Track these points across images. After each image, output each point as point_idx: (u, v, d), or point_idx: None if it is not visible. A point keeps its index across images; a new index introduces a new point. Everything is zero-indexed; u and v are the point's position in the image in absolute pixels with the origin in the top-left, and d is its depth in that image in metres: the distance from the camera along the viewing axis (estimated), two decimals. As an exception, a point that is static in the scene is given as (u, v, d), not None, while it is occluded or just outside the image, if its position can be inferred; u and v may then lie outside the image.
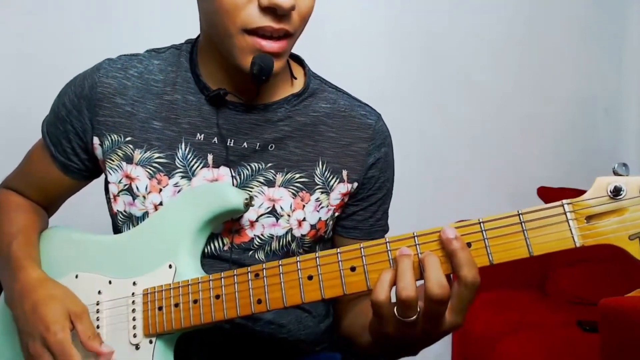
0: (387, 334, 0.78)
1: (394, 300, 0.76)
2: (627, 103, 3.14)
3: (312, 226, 1.04)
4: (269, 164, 1.02)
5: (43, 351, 0.91)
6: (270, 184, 1.01)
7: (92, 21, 2.23)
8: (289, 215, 1.02)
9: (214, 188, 0.98)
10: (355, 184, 1.06)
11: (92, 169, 1.10)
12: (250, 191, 1.01)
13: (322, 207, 1.04)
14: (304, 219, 1.03)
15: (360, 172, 1.06)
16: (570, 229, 0.72)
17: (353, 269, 0.80)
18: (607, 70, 3.10)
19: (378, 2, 2.74)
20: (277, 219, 1.02)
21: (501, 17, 2.92)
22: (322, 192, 1.04)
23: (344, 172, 1.05)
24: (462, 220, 0.77)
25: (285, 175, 1.02)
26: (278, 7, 0.87)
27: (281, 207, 1.02)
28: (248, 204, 0.95)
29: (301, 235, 1.04)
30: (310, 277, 0.82)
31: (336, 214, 1.07)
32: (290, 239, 1.03)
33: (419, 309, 0.75)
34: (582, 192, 0.73)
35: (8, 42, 2.16)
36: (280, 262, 0.84)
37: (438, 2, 2.82)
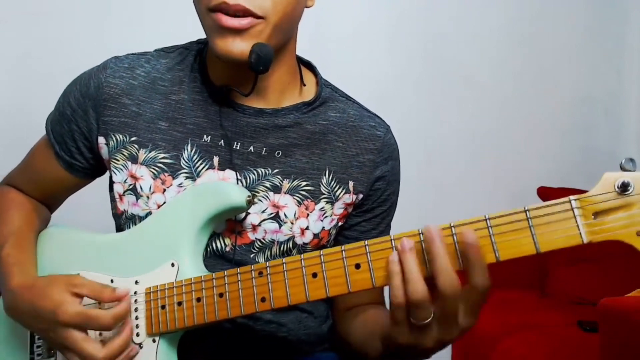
0: (403, 345, 0.78)
1: None
2: (627, 103, 3.14)
3: (315, 235, 1.04)
4: (276, 170, 1.01)
5: (68, 332, 0.89)
6: (276, 190, 1.01)
7: (93, 21, 2.23)
8: (292, 223, 1.01)
9: (216, 186, 0.97)
10: (361, 196, 1.06)
11: (97, 167, 1.09)
12: (256, 195, 1.00)
13: (325, 217, 1.04)
14: (307, 228, 1.03)
15: (366, 184, 1.05)
16: (578, 225, 0.71)
17: (358, 266, 0.79)
18: (607, 70, 3.11)
19: (379, 4, 2.74)
20: (280, 226, 1.01)
21: (501, 18, 2.92)
22: (327, 202, 1.03)
23: (350, 183, 1.04)
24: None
25: (292, 182, 1.01)
26: None
27: (285, 214, 1.01)
28: (250, 202, 0.95)
29: (303, 243, 1.03)
30: (314, 275, 0.82)
31: (339, 223, 1.07)
32: (291, 245, 1.03)
33: (432, 312, 0.74)
34: (583, 192, 0.72)
35: (8, 42, 2.16)
36: (284, 260, 0.84)
37: (439, 3, 2.82)
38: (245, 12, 0.88)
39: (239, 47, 0.89)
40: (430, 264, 0.75)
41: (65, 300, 0.89)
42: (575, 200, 0.72)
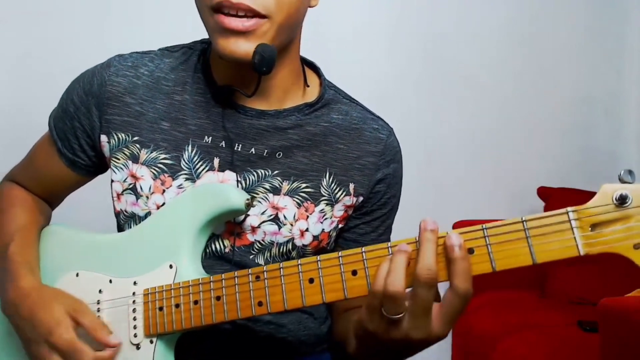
0: (370, 332, 0.78)
1: None
2: (627, 103, 3.14)
3: (315, 237, 1.03)
4: (276, 172, 1.01)
5: (50, 354, 0.90)
6: (275, 191, 1.01)
7: (93, 21, 2.23)
8: (291, 225, 1.01)
9: (215, 188, 0.97)
10: (361, 198, 1.05)
11: (99, 164, 1.09)
12: (255, 197, 1.00)
13: (325, 219, 1.03)
14: (307, 230, 1.02)
15: (367, 187, 1.05)
16: (575, 238, 0.71)
17: (354, 272, 0.79)
18: (607, 70, 3.11)
19: (380, 4, 2.74)
20: (280, 228, 1.01)
21: (501, 18, 2.92)
22: (327, 204, 1.03)
23: (351, 185, 1.04)
24: (465, 224, 0.77)
25: (292, 184, 1.01)
26: None
27: (284, 216, 1.01)
28: (249, 204, 0.94)
29: (302, 245, 1.03)
30: (311, 280, 0.82)
31: (340, 225, 1.06)
32: (290, 247, 1.03)
33: (404, 310, 0.75)
34: (582, 192, 0.72)
35: (8, 42, 2.16)
36: (281, 264, 0.84)
37: (439, 4, 2.82)
38: (248, 11, 0.87)
39: (243, 47, 0.89)
40: (418, 252, 0.75)
41: (62, 323, 0.90)
42: (572, 211, 0.72)
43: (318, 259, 0.81)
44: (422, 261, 0.74)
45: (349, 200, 1.04)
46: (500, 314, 2.40)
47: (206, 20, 0.92)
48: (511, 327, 2.27)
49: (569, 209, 0.72)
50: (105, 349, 0.91)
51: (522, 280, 2.62)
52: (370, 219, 1.09)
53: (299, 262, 0.82)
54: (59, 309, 0.92)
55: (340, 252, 0.80)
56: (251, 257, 1.01)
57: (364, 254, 0.79)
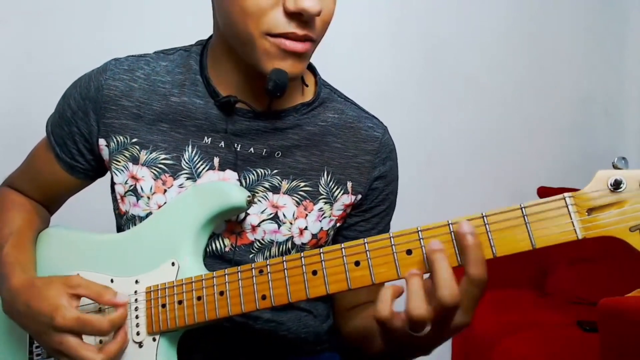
0: (397, 340, 0.77)
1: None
2: (627, 103, 3.15)
3: (314, 235, 1.04)
4: (275, 171, 1.01)
5: (63, 337, 0.88)
6: (275, 190, 1.01)
7: (93, 21, 2.23)
8: (290, 223, 1.02)
9: (217, 186, 0.98)
10: (359, 196, 1.06)
11: (98, 168, 1.10)
12: (255, 195, 1.01)
13: (324, 217, 1.04)
14: (306, 228, 1.03)
15: (364, 185, 1.06)
16: (572, 222, 0.72)
17: (357, 263, 0.80)
18: (607, 70, 3.11)
19: (380, 6, 2.74)
20: (279, 226, 1.02)
21: (501, 18, 2.92)
22: (325, 202, 1.04)
23: (349, 184, 1.05)
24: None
25: (291, 182, 1.02)
26: (305, 12, 0.85)
27: (284, 215, 1.02)
28: (250, 201, 0.95)
29: (301, 243, 1.04)
30: (314, 273, 0.82)
31: (338, 224, 1.07)
32: (290, 246, 1.03)
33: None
34: (581, 191, 0.73)
35: (8, 42, 2.16)
36: (284, 257, 0.84)
37: (439, 4, 2.82)
38: (307, 39, 0.89)
39: (299, 68, 0.91)
40: (432, 275, 0.74)
41: (62, 305, 0.89)
42: (569, 197, 0.73)
43: (321, 251, 0.82)
44: (444, 285, 0.71)
45: (347, 198, 1.05)
46: (500, 314, 2.41)
47: (256, 43, 0.89)
48: (511, 327, 2.28)
49: (566, 194, 0.73)
50: (118, 309, 0.91)
51: (522, 279, 2.62)
52: (370, 216, 1.09)
53: (302, 255, 0.83)
54: (54, 294, 0.90)
55: (342, 244, 0.81)
56: (251, 256, 1.02)
57: (366, 244, 0.80)
